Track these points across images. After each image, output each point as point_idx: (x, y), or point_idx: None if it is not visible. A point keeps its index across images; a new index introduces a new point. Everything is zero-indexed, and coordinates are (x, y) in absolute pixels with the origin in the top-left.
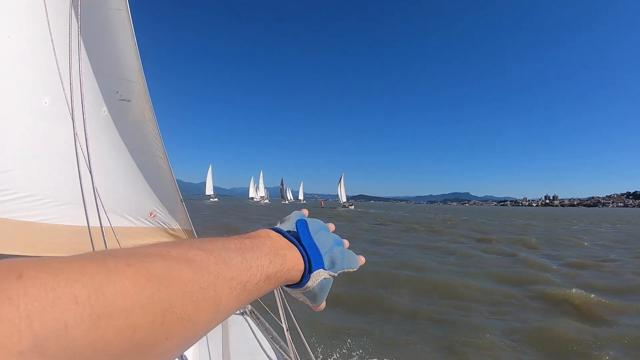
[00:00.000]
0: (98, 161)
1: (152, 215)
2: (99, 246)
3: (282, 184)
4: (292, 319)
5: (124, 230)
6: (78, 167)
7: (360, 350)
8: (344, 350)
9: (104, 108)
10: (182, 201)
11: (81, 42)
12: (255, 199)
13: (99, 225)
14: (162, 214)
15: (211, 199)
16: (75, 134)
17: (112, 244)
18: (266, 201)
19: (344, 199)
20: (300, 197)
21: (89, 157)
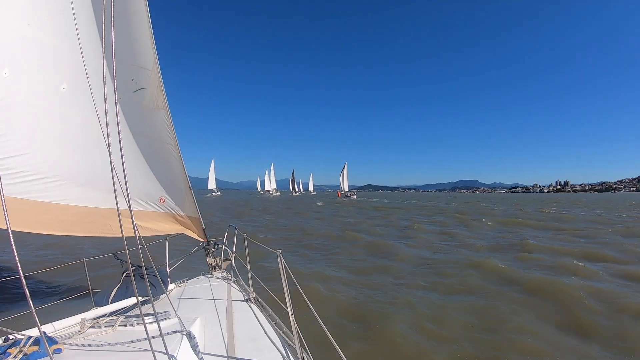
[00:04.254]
0: (114, 146)
1: (162, 201)
2: (115, 227)
3: (292, 176)
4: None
5: (135, 214)
6: (109, 150)
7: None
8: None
9: (120, 94)
10: (190, 189)
11: (103, 29)
12: (269, 192)
13: (115, 206)
14: (171, 201)
15: (213, 193)
16: (99, 119)
17: (126, 226)
18: (277, 193)
19: (346, 188)
20: (310, 188)
21: (108, 141)
